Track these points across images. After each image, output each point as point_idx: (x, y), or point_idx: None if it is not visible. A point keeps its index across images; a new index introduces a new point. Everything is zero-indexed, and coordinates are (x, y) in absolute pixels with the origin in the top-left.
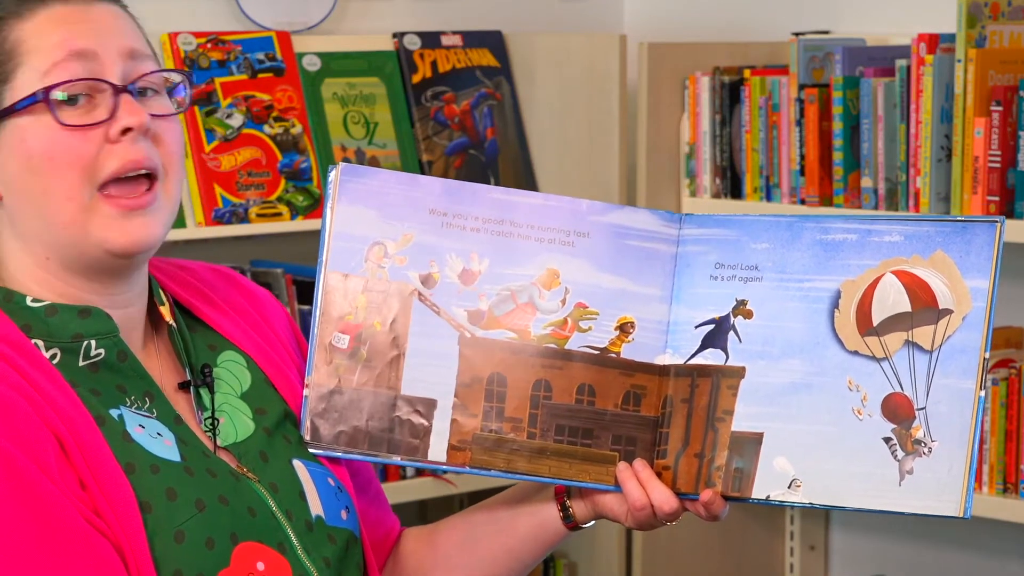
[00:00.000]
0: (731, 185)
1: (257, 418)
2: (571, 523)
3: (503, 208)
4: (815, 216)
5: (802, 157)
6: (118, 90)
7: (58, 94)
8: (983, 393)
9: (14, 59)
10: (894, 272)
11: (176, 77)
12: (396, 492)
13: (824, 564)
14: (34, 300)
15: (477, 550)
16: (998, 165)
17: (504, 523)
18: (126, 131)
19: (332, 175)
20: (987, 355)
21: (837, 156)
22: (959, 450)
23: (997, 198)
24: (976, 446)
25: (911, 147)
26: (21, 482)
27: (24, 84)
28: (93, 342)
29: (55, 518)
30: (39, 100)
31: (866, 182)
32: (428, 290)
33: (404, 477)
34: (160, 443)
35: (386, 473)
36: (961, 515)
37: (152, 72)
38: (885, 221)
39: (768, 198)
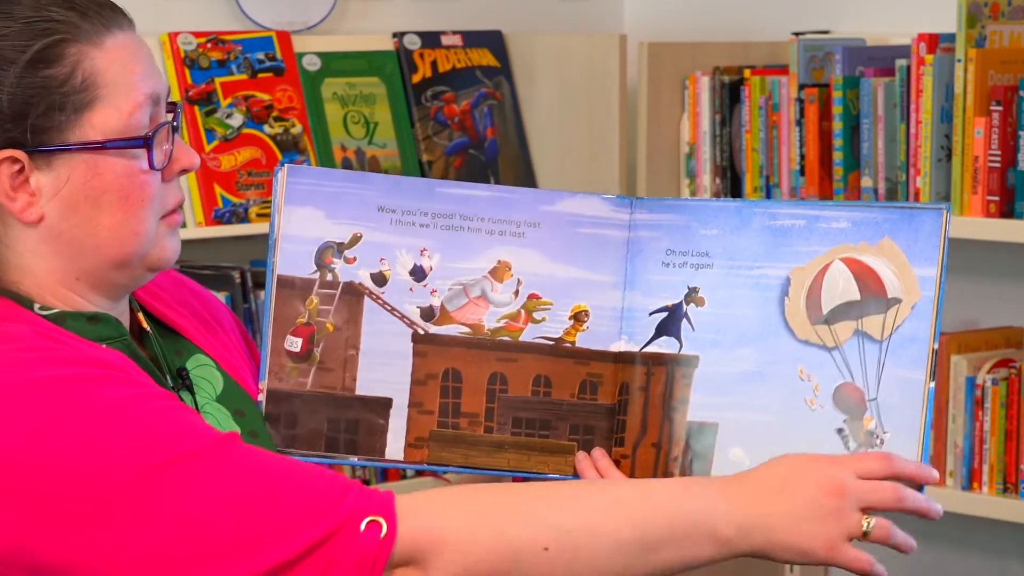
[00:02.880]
0: (731, 185)
1: (238, 420)
2: None
3: (452, 202)
4: (763, 201)
5: (802, 157)
6: (173, 130)
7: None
8: (933, 384)
9: (92, 90)
10: (843, 259)
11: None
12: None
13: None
14: (42, 308)
15: None
16: (998, 165)
17: None
18: (183, 172)
19: (278, 177)
20: (935, 346)
21: (837, 156)
22: (911, 442)
23: (997, 198)
24: (928, 437)
25: (911, 147)
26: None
27: (106, 121)
28: (105, 347)
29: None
30: (141, 146)
31: (866, 182)
32: (379, 288)
33: (404, 477)
34: None
35: (386, 475)
36: None
37: (177, 111)
38: (833, 207)
39: (768, 198)
